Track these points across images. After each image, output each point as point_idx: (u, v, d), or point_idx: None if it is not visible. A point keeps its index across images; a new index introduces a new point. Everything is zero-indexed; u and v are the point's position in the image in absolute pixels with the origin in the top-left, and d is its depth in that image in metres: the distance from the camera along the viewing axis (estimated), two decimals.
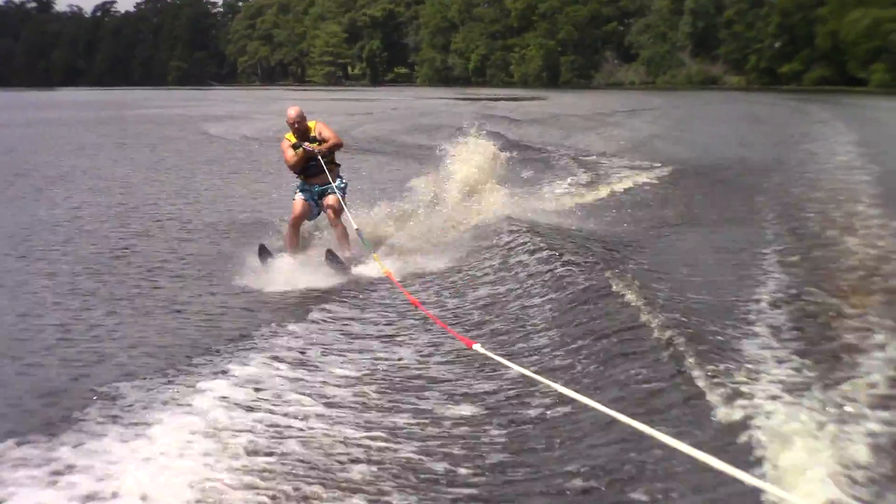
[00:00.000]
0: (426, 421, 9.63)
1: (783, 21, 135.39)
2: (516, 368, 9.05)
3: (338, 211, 16.79)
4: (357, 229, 16.76)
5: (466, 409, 10.04)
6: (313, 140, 16.94)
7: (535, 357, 11.10)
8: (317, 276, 15.59)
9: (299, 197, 17.03)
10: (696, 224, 21.67)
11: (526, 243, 17.27)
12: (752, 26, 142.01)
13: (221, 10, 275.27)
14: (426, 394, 10.45)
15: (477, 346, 9.29)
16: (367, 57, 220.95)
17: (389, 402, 10.12)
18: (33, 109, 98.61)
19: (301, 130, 16.94)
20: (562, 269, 14.93)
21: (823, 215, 20.67)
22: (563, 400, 9.49)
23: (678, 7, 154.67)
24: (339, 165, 17.43)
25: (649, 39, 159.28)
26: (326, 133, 17.04)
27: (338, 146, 17.19)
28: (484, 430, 9.42)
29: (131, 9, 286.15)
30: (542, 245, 16.82)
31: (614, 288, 13.06)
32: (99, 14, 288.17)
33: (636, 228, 20.58)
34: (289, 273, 15.53)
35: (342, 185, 17.14)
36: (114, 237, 20.57)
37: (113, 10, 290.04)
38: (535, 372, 9.11)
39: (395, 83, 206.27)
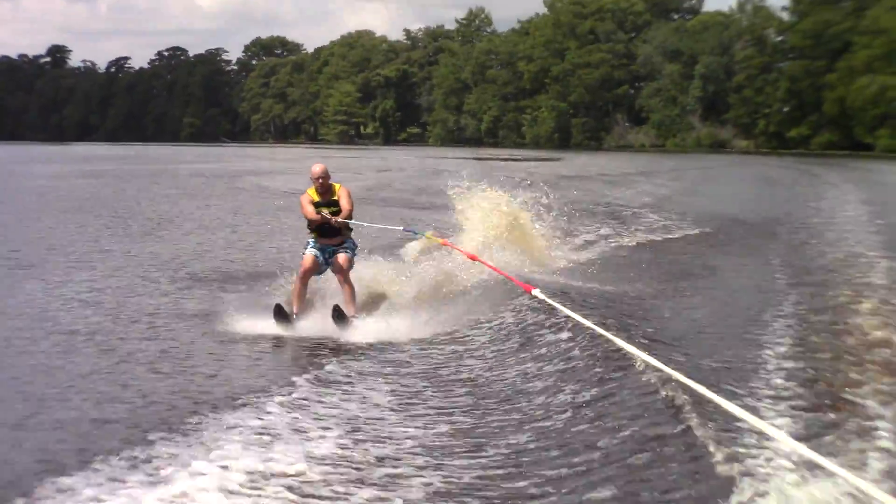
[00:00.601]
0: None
1: (792, 87, 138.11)
2: (574, 315, 9.16)
3: (346, 271, 16.86)
4: (403, 228, 18.29)
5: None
6: (334, 203, 17.07)
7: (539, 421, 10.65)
8: (325, 331, 15.94)
9: (310, 251, 17.02)
10: (716, 276, 23.06)
11: (536, 310, 16.45)
12: (761, 91, 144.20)
13: (235, 67, 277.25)
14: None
15: (536, 292, 9.76)
16: (380, 116, 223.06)
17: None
18: (78, 163, 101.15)
19: (325, 187, 17.13)
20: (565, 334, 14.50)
21: (834, 273, 21.77)
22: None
23: (688, 72, 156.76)
24: (351, 230, 17.42)
25: (659, 103, 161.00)
26: (345, 203, 17.10)
27: (350, 213, 17.12)
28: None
29: (145, 65, 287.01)
30: (556, 318, 15.60)
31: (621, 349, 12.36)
32: (113, 70, 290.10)
33: (650, 284, 20.87)
34: (303, 328, 16.13)
35: (353, 247, 17.27)
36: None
37: (127, 65, 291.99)
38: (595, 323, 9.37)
39: (407, 143, 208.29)
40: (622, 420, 9.62)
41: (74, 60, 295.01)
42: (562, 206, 29.78)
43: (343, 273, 16.79)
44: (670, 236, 32.46)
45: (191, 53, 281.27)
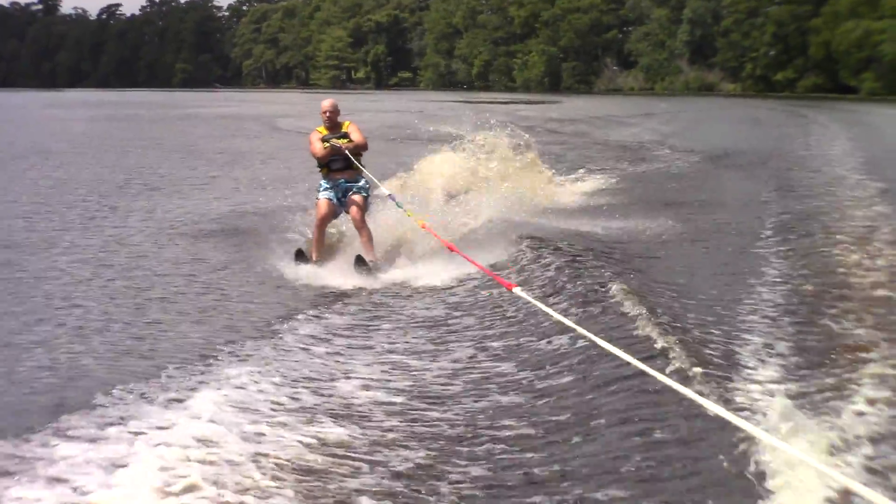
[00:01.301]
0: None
1: (778, 31, 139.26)
2: (555, 315, 8.60)
3: (361, 211, 16.48)
4: (389, 194, 17.14)
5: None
6: (343, 136, 16.82)
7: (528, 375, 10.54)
8: (346, 280, 15.50)
9: (323, 197, 16.74)
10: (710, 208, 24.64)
11: (536, 249, 16.66)
12: (748, 35, 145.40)
13: (226, 13, 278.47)
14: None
15: (517, 290, 9.35)
16: (371, 61, 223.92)
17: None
18: (101, 107, 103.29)
19: (333, 122, 16.97)
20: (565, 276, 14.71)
21: (825, 213, 21.98)
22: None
23: (676, 16, 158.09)
24: (363, 167, 17.06)
25: (648, 47, 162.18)
26: (356, 135, 16.84)
27: (362, 147, 16.90)
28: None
29: (136, 11, 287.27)
30: (549, 253, 16.28)
31: (616, 297, 12.73)
32: (104, 17, 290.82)
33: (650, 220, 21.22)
34: (320, 276, 15.70)
35: (367, 185, 16.91)
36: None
37: (118, 12, 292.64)
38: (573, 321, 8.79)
39: (399, 87, 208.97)
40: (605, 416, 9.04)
41: (65, 7, 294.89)
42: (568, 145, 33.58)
43: (359, 216, 16.42)
44: (672, 168, 35.86)
45: (181, 0, 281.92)
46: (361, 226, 16.42)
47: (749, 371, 9.94)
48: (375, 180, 17.02)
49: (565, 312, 11.62)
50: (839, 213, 21.95)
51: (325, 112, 16.90)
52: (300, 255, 16.27)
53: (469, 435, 8.84)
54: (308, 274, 15.61)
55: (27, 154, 41.49)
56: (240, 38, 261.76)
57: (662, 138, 50.94)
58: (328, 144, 16.64)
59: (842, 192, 25.88)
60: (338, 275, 15.65)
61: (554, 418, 9.08)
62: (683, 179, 31.88)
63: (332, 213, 16.81)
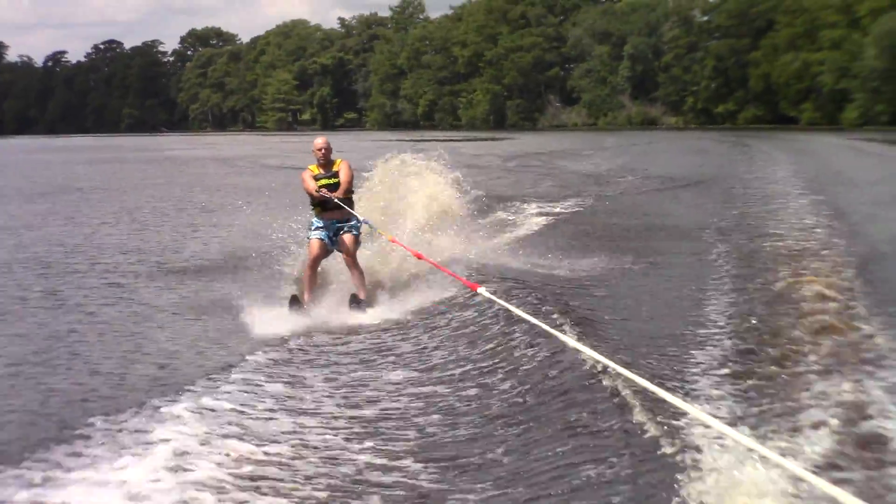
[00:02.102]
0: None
1: (718, 65, 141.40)
2: (518, 312, 8.78)
3: (353, 251, 16.47)
4: (363, 220, 16.71)
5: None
6: (334, 174, 16.68)
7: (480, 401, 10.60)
8: (340, 317, 15.48)
9: (315, 236, 16.52)
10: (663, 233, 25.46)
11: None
12: (688, 70, 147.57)
13: (171, 58, 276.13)
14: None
15: (481, 290, 9.38)
16: (317, 103, 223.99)
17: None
18: (67, 152, 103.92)
19: (326, 159, 16.78)
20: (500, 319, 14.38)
21: (773, 237, 22.65)
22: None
23: (617, 52, 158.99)
24: (353, 206, 16.96)
25: (590, 83, 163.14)
26: (344, 175, 16.72)
27: (348, 188, 16.79)
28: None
29: (82, 58, 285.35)
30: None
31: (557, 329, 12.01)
32: (50, 64, 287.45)
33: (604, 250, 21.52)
34: (315, 317, 15.55)
35: (358, 224, 16.70)
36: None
37: (64, 59, 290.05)
38: (539, 319, 8.92)
39: (345, 128, 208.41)
40: (561, 411, 9.44)
41: (11, 55, 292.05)
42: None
43: (350, 256, 16.42)
44: (629, 195, 37.57)
45: (123, 44, 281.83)
46: (353, 265, 16.43)
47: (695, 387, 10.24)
48: (357, 215, 16.63)
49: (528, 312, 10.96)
50: (783, 234, 22.91)
51: (319, 150, 16.77)
52: (294, 301, 15.85)
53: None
54: (301, 317, 15.40)
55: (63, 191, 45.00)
56: (186, 83, 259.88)
57: (620, 168, 53.30)
58: (319, 189, 16.47)
59: (786, 215, 26.89)
60: (333, 314, 15.60)
61: (510, 413, 9.77)
62: (640, 206, 33.09)
63: (324, 253, 16.62)
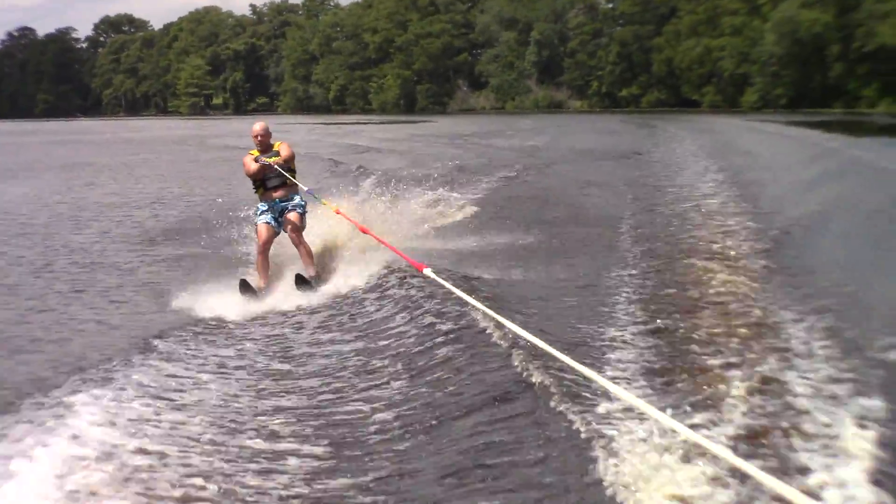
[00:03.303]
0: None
1: (622, 50, 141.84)
2: (460, 294, 8.47)
3: (299, 228, 16.30)
4: (308, 189, 16.60)
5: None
6: (275, 155, 16.40)
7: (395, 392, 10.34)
8: (289, 299, 15.38)
9: (262, 221, 16.34)
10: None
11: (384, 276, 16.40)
12: (593, 55, 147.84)
13: (85, 45, 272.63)
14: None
15: (427, 271, 9.29)
16: (230, 88, 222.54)
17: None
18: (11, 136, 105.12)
19: (265, 145, 16.55)
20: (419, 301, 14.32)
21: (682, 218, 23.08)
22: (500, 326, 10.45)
23: (524, 38, 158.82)
24: (297, 184, 16.72)
25: (498, 68, 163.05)
26: (285, 152, 16.43)
27: (290, 159, 16.53)
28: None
29: None
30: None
31: (473, 319, 12.34)
32: None
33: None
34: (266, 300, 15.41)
35: (302, 202, 16.60)
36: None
37: None
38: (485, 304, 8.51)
39: (257, 112, 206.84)
40: (484, 397, 9.36)
41: None
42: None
43: (297, 233, 16.25)
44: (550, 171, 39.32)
45: (35, 31, 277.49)
46: (299, 242, 16.28)
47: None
48: (301, 186, 16.39)
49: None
50: (690, 210, 23.98)
51: (256, 136, 16.52)
52: (245, 286, 15.50)
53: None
54: (251, 301, 15.23)
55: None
56: (99, 69, 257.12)
57: (541, 147, 55.60)
58: (259, 160, 16.16)
59: (693, 191, 28.31)
60: (281, 296, 15.51)
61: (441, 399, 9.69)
62: (561, 181, 34.72)
63: (273, 236, 16.33)
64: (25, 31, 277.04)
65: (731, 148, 48.59)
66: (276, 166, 16.12)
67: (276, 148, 16.54)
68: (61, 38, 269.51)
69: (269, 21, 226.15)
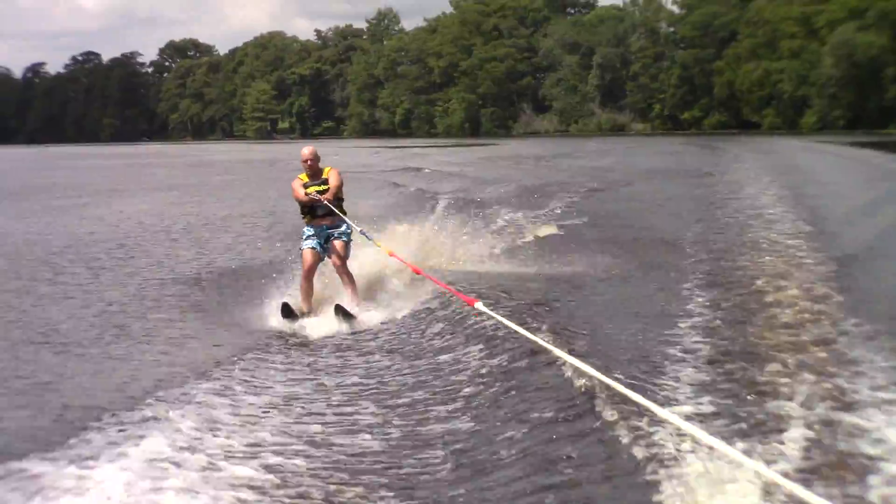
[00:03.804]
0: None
1: (683, 73, 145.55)
2: (515, 328, 8.77)
3: (343, 257, 16.42)
4: (360, 230, 16.72)
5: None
6: (323, 182, 16.58)
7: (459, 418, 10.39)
8: (331, 328, 15.49)
9: (307, 247, 16.46)
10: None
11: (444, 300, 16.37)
12: (655, 78, 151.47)
13: (150, 69, 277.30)
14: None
15: (479, 305, 9.40)
16: (296, 112, 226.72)
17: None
18: (101, 158, 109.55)
19: (313, 169, 16.66)
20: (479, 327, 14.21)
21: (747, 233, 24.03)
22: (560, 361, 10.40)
23: (587, 62, 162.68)
24: (345, 212, 16.82)
25: (561, 92, 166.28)
26: (333, 181, 16.59)
27: (338, 192, 16.67)
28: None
29: (61, 70, 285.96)
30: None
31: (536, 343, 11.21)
32: (30, 75, 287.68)
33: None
34: (307, 327, 15.55)
35: (348, 231, 16.63)
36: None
37: (42, 71, 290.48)
38: (537, 336, 9.31)
39: (323, 136, 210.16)
40: (548, 422, 9.46)
41: None
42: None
43: (341, 261, 16.41)
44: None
45: (101, 55, 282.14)
46: (343, 272, 16.47)
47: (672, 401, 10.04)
48: (349, 221, 16.60)
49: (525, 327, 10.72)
50: (754, 230, 24.29)
51: (305, 161, 16.70)
52: (286, 310, 15.85)
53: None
54: (295, 326, 15.61)
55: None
56: (166, 93, 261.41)
57: (610, 168, 59.05)
58: (308, 194, 16.47)
59: (756, 212, 28.70)
60: (324, 324, 15.63)
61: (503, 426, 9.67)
62: (631, 197, 38.05)
63: (317, 262, 16.60)
64: (90, 56, 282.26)
65: (793, 168, 50.27)
66: (325, 201, 16.35)
67: (325, 174, 16.71)
68: (126, 63, 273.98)
69: (334, 46, 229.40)
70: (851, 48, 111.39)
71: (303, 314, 16.01)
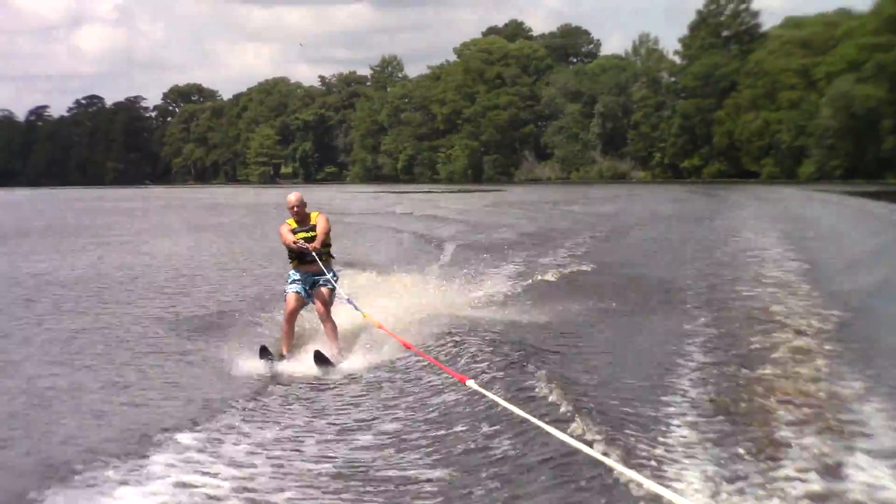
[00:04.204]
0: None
1: (684, 122, 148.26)
2: (507, 405, 8.84)
3: (327, 303, 16.43)
4: (348, 298, 16.72)
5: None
6: (312, 229, 16.67)
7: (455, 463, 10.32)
8: (308, 375, 15.48)
9: (291, 290, 16.59)
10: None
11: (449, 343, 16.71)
12: (656, 127, 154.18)
13: (154, 113, 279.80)
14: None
15: (470, 383, 9.39)
16: (299, 157, 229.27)
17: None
18: (116, 201, 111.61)
19: (300, 215, 16.76)
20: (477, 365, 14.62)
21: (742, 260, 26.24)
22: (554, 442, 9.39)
23: (588, 111, 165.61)
24: (333, 258, 17.13)
25: (563, 139, 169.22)
26: (320, 228, 16.67)
27: (325, 240, 16.75)
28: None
29: (64, 113, 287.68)
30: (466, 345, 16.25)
31: (536, 389, 12.46)
32: (33, 118, 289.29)
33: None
34: (283, 370, 15.62)
35: (334, 277, 16.80)
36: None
37: (45, 114, 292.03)
38: (525, 411, 8.81)
39: (326, 181, 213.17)
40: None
41: None
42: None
43: (325, 308, 16.43)
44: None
45: (104, 99, 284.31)
46: (326, 318, 16.46)
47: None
48: (336, 286, 16.73)
49: (513, 401, 10.82)
50: (755, 277, 24.58)
51: (292, 207, 16.82)
52: (264, 352, 15.80)
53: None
54: (271, 369, 15.59)
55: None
56: (169, 137, 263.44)
57: (618, 212, 62.15)
58: (296, 241, 16.59)
59: (757, 257, 29.49)
60: (302, 368, 15.70)
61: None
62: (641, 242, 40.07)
63: (300, 306, 16.75)
64: (94, 99, 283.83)
65: (792, 216, 52.32)
66: (312, 252, 16.48)
67: (313, 219, 16.84)
68: (130, 107, 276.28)
69: (338, 92, 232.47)
70: (849, 100, 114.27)
71: (281, 357, 16.07)
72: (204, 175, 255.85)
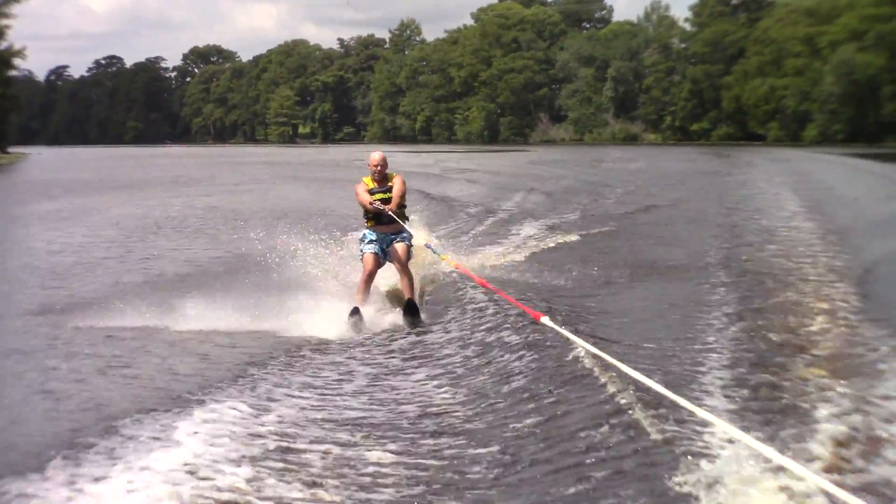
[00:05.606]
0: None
1: (693, 87, 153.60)
2: (581, 343, 8.92)
3: (405, 261, 16.08)
4: (426, 244, 16.95)
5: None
6: (388, 189, 16.27)
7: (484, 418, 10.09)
8: (397, 322, 15.50)
9: (369, 251, 16.08)
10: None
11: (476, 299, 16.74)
12: (667, 91, 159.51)
13: (174, 73, 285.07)
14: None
15: (545, 319, 9.41)
16: (318, 118, 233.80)
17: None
18: (156, 158, 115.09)
19: (381, 175, 16.25)
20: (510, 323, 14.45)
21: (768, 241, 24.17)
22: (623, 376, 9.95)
23: (601, 75, 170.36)
24: (408, 219, 16.71)
25: (576, 102, 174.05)
26: (396, 189, 16.28)
27: (401, 202, 16.38)
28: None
29: (84, 73, 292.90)
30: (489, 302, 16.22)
31: (568, 349, 12.15)
32: (52, 78, 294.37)
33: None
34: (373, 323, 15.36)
35: (409, 235, 16.37)
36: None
37: (66, 74, 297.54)
38: (600, 349, 8.68)
39: (344, 141, 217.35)
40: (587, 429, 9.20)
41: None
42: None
43: (402, 263, 16.06)
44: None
45: (123, 59, 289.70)
46: (404, 272, 16.08)
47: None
48: (413, 231, 16.53)
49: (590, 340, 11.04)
50: (775, 240, 24.20)
51: (375, 166, 16.26)
52: (355, 313, 15.34)
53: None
54: (357, 328, 15.22)
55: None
56: (189, 98, 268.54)
57: (647, 168, 68.00)
58: (373, 202, 16.13)
59: (774, 219, 29.40)
60: (387, 320, 15.70)
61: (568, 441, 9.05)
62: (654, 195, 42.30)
63: (378, 266, 16.23)
64: (113, 60, 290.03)
65: (800, 174, 54.42)
66: (390, 213, 16.07)
67: (390, 180, 16.42)
68: (150, 67, 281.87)
69: (357, 55, 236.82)
70: (851, 67, 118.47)
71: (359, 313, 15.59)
72: (223, 135, 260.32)
